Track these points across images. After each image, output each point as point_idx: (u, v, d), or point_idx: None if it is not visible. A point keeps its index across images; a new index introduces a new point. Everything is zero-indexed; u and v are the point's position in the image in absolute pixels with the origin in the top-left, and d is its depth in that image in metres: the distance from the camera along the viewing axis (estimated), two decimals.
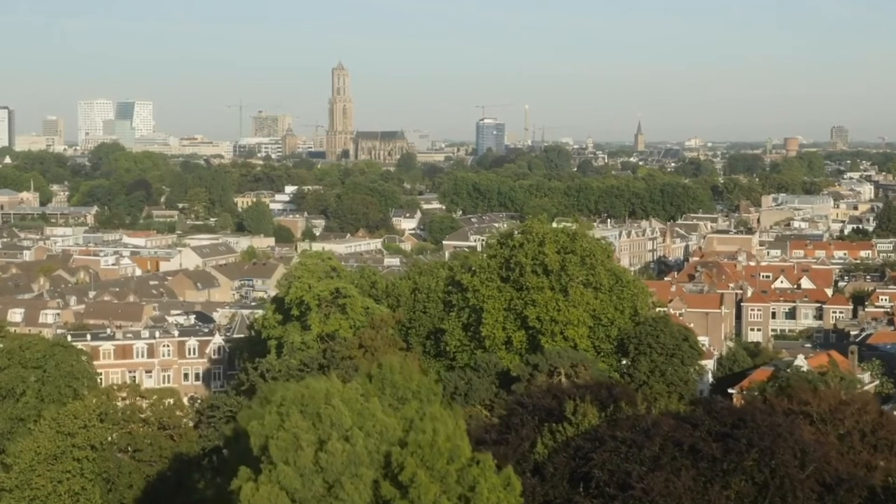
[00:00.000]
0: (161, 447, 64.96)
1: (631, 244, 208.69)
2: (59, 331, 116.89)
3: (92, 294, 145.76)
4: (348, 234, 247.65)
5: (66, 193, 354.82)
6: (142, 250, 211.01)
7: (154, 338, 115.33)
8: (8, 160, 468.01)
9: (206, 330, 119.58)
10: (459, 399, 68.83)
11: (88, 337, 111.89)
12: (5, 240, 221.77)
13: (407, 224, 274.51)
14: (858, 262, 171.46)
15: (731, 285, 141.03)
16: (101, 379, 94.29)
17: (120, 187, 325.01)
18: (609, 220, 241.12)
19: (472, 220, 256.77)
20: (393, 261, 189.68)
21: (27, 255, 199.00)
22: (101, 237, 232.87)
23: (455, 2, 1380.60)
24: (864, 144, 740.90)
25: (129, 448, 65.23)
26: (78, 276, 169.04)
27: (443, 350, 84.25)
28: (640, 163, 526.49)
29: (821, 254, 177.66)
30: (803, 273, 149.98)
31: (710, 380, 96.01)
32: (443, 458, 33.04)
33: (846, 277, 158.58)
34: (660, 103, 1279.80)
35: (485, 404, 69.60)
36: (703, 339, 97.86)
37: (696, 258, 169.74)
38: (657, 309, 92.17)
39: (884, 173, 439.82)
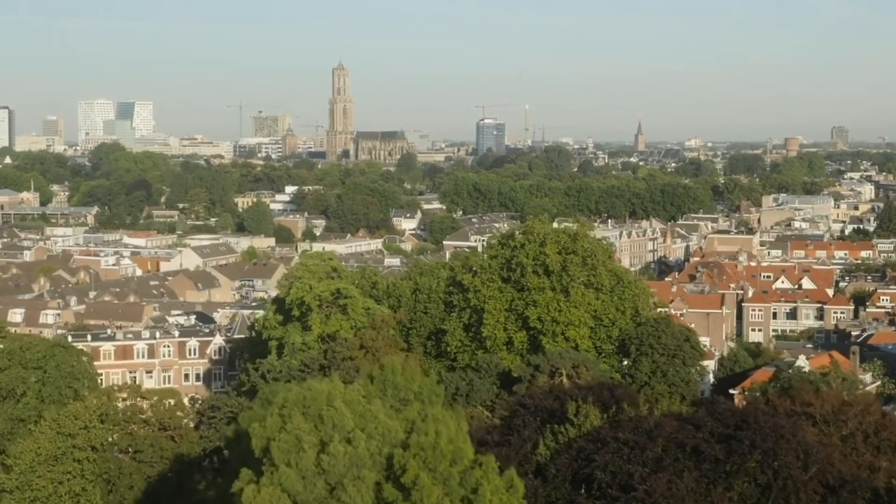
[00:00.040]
0: (162, 448, 64.86)
1: (631, 244, 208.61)
2: (59, 331, 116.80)
3: (92, 294, 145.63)
4: (349, 235, 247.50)
5: (67, 194, 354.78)
6: (142, 250, 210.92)
7: (154, 338, 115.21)
8: (8, 160, 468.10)
9: (207, 330, 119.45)
10: (460, 400, 68.70)
11: (89, 337, 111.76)
12: (5, 240, 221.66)
13: (407, 224, 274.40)
14: (859, 262, 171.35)
15: (732, 286, 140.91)
16: (101, 379, 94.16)
17: (120, 187, 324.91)
18: (609, 221, 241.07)
19: (473, 220, 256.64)
20: (393, 261, 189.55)
21: (27, 256, 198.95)
22: (102, 237, 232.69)
23: (455, 2, 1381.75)
24: (864, 144, 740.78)
25: (130, 449, 65.15)
26: (78, 276, 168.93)
27: (444, 351, 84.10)
28: (641, 163, 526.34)
29: (821, 254, 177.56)
30: (804, 273, 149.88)
31: (712, 380, 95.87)
32: (445, 460, 32.90)
33: (847, 278, 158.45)
34: (660, 103, 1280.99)
35: (486, 405, 69.48)
36: (704, 340, 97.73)
37: (696, 258, 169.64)
38: (658, 309, 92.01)
39: (884, 173, 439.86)
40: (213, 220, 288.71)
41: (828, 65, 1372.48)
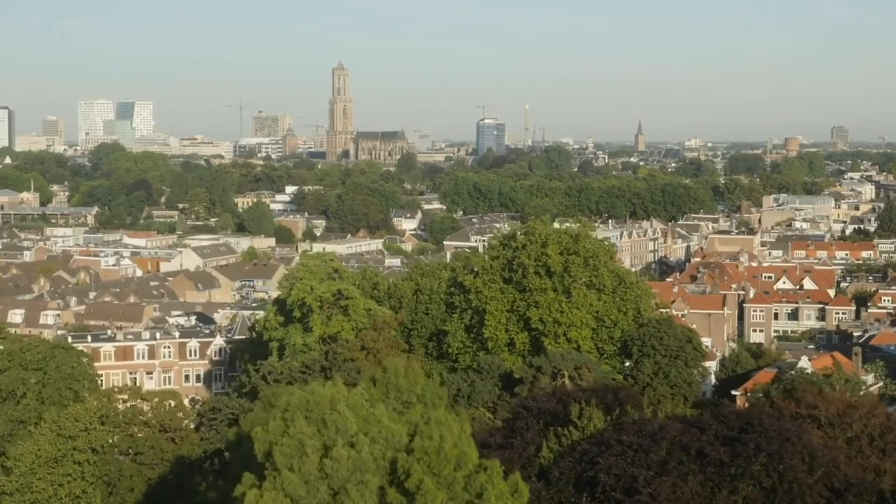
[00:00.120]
0: (162, 450, 64.66)
1: (632, 245, 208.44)
2: (59, 332, 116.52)
3: (92, 295, 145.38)
4: (349, 235, 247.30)
5: (67, 194, 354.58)
6: (142, 251, 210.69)
7: (155, 339, 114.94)
8: (8, 160, 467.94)
9: (207, 331, 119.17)
10: (462, 401, 68.43)
11: (89, 338, 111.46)
12: (5, 240, 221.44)
13: (408, 224, 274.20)
14: (860, 262, 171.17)
15: (734, 286, 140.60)
16: (101, 380, 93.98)
17: (120, 187, 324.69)
18: (610, 221, 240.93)
19: (473, 220, 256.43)
20: (394, 261, 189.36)
21: (27, 256, 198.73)
22: (102, 238, 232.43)
23: (455, 2, 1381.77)
24: (864, 144, 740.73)
25: (130, 451, 64.97)
26: (78, 276, 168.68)
27: (445, 352, 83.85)
28: (641, 163, 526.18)
29: (822, 254, 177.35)
30: (805, 274, 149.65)
31: (713, 381, 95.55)
32: (450, 464, 32.63)
33: (848, 278, 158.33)
34: (660, 103, 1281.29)
35: (488, 406, 69.26)
36: (705, 341, 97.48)
37: (697, 259, 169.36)
38: (660, 310, 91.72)
39: (884, 173, 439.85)
40: (213, 220, 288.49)
41: (828, 65, 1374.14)
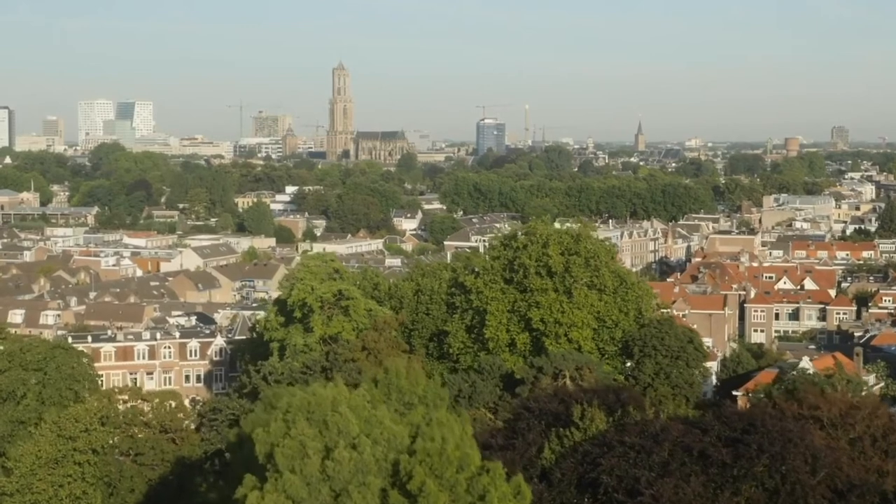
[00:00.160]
0: (163, 450, 64.50)
1: (633, 245, 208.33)
2: (59, 332, 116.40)
3: (92, 295, 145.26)
4: (349, 235, 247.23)
5: (67, 194, 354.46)
6: (142, 251, 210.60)
7: (155, 339, 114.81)
8: (8, 160, 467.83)
9: (208, 331, 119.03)
10: (463, 402, 68.33)
11: (89, 338, 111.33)
12: (5, 240, 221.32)
13: (408, 224, 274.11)
14: (861, 262, 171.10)
15: (735, 286, 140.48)
16: (101, 381, 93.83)
17: (120, 187, 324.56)
18: (610, 221, 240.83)
19: (474, 220, 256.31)
20: (394, 261, 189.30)
21: (27, 256, 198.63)
22: (102, 238, 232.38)
23: (455, 2, 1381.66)
24: (864, 144, 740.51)
25: (131, 451, 64.80)
26: (78, 276, 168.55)
27: (446, 352, 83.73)
28: (641, 163, 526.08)
29: (823, 254, 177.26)
30: (806, 274, 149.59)
31: (715, 382, 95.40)
32: (452, 466, 32.48)
33: (849, 278, 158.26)
34: (660, 103, 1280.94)
35: (489, 407, 69.16)
36: (706, 341, 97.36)
37: (698, 259, 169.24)
38: (661, 311, 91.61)
39: (885, 173, 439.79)
40: (213, 220, 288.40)
41: (828, 65, 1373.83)
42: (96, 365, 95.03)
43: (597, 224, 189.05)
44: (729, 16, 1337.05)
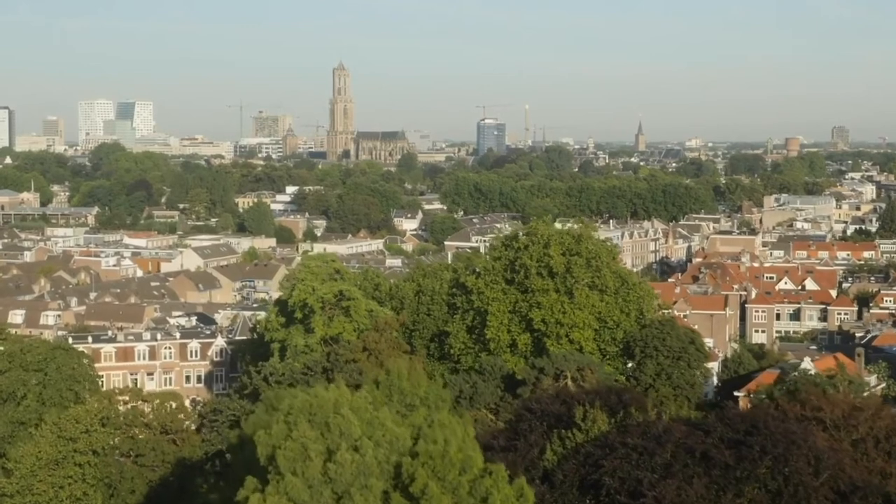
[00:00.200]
0: (163, 451, 64.38)
1: (633, 245, 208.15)
2: (59, 332, 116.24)
3: (93, 295, 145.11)
4: (350, 235, 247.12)
5: (67, 194, 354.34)
6: (143, 251, 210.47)
7: (156, 340, 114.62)
8: (8, 160, 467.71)
9: (208, 332, 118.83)
10: (464, 403, 68.23)
11: (90, 339, 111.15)
12: (6, 240, 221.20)
13: (408, 225, 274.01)
14: (862, 262, 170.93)
15: (735, 287, 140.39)
16: (102, 381, 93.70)
17: (120, 188, 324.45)
18: (611, 221, 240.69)
19: (474, 220, 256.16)
20: (395, 261, 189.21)
21: (28, 256, 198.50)
22: (102, 238, 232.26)
23: (455, 2, 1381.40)
24: (864, 144, 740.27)
25: (132, 452, 64.69)
26: (79, 277, 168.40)
27: (447, 353, 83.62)
28: (642, 163, 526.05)
29: (824, 255, 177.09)
30: (807, 274, 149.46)
31: (716, 382, 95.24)
32: (454, 468, 32.34)
33: (850, 278, 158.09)
34: (660, 103, 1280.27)
35: (490, 408, 69.07)
36: (707, 341, 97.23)
37: (699, 259, 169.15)
38: (662, 311, 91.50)
39: (885, 173, 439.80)
40: (213, 220, 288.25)
41: (828, 65, 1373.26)
42: (97, 365, 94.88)
43: (597, 224, 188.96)
44: (729, 16, 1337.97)
